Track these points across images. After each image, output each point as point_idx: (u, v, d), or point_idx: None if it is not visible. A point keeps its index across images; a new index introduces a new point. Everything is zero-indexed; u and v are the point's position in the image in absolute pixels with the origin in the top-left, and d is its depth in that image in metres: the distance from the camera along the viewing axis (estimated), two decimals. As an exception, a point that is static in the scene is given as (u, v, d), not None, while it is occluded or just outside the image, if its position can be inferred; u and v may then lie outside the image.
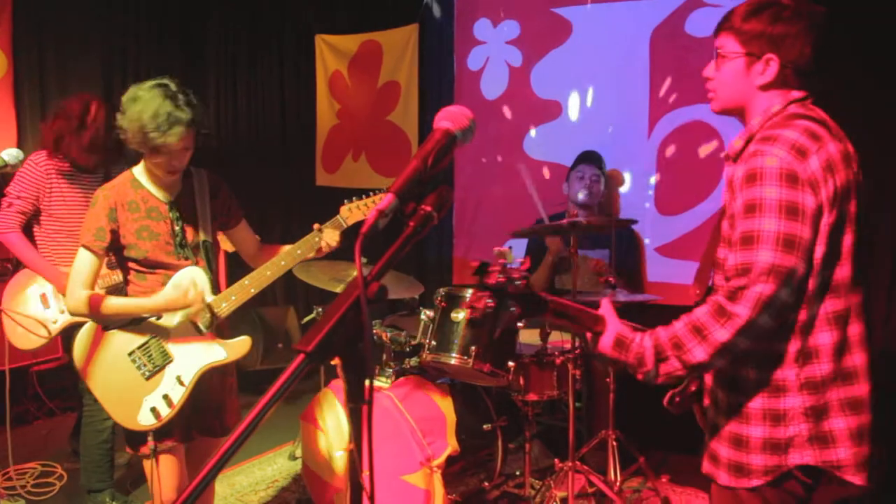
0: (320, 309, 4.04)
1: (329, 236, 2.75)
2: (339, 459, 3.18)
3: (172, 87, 2.44)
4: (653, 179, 4.44)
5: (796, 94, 1.84)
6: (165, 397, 2.53)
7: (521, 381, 3.41)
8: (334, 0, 5.64)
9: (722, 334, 1.67)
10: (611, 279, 3.62)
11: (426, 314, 3.36)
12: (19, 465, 3.97)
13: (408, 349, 3.53)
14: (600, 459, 3.64)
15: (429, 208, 1.19)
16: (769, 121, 1.82)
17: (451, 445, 3.10)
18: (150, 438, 2.54)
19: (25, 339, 3.53)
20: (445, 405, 3.26)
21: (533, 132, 4.83)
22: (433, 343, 3.27)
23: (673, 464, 3.99)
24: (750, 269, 1.67)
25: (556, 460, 3.48)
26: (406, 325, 3.70)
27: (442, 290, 3.38)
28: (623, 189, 4.51)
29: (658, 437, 4.01)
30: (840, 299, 1.75)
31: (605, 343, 1.83)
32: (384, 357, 3.48)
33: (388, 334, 3.51)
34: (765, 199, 1.68)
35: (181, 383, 2.53)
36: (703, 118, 4.25)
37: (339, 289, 3.62)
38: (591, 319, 1.85)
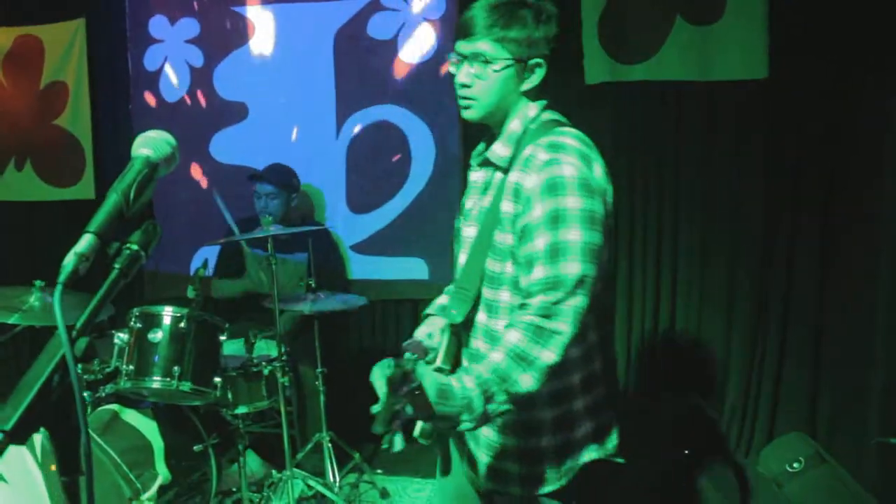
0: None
1: None
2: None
3: None
4: (343, 179, 4.51)
5: (542, 99, 1.85)
6: None
7: (230, 395, 3.31)
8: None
9: (548, 356, 1.60)
10: (310, 283, 3.62)
11: (120, 336, 3.11)
12: None
13: (101, 377, 3.25)
14: (317, 462, 3.65)
15: (135, 247, 1.09)
16: (527, 128, 1.81)
17: (162, 474, 2.92)
18: None
19: None
20: (150, 432, 3.06)
21: (218, 134, 4.66)
22: (131, 367, 3.05)
23: (385, 455, 4.10)
24: (562, 282, 1.62)
25: (273, 470, 3.42)
26: (96, 351, 3.40)
27: (136, 310, 3.15)
28: (316, 190, 4.53)
29: (368, 430, 4.11)
30: (606, 298, 1.81)
31: (430, 397, 1.54)
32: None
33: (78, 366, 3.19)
34: (569, 208, 1.64)
35: None
36: (387, 118, 4.39)
37: (12, 319, 3.22)
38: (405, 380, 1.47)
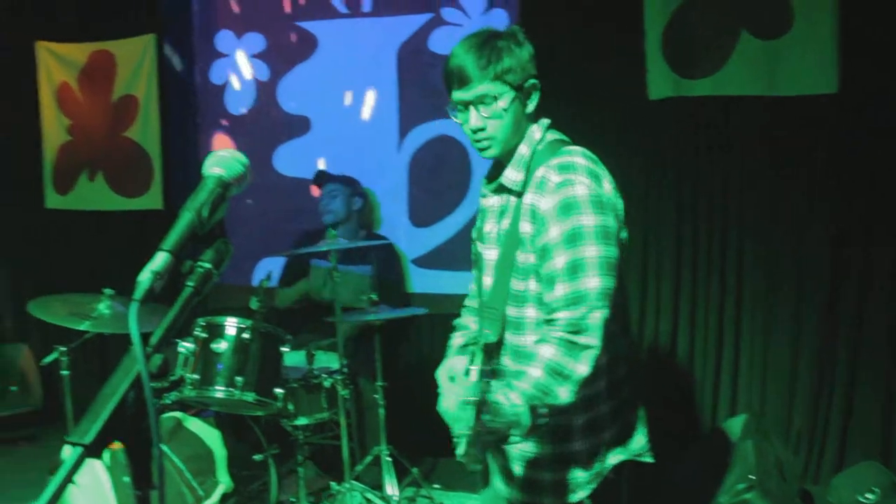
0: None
1: None
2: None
3: None
4: (405, 192, 4.53)
5: (544, 118, 1.92)
6: None
7: (290, 406, 3.34)
8: (57, 4, 5.12)
9: (582, 369, 1.69)
10: (373, 297, 3.64)
11: (184, 345, 3.17)
12: None
13: (167, 384, 3.31)
14: (375, 475, 3.65)
15: (207, 265, 1.11)
16: (535, 150, 1.87)
17: (224, 482, 2.96)
18: None
19: None
20: (213, 440, 3.11)
21: (281, 147, 4.74)
22: (195, 376, 3.10)
23: (442, 469, 4.10)
24: (584, 297, 1.70)
25: (332, 482, 3.44)
26: (169, 367, 3.46)
27: (201, 320, 3.20)
28: (378, 202, 4.56)
29: (426, 444, 4.11)
30: (624, 307, 1.90)
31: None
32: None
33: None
34: (584, 226, 1.72)
35: None
36: (447, 132, 4.40)
37: (82, 326, 3.31)
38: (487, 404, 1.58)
